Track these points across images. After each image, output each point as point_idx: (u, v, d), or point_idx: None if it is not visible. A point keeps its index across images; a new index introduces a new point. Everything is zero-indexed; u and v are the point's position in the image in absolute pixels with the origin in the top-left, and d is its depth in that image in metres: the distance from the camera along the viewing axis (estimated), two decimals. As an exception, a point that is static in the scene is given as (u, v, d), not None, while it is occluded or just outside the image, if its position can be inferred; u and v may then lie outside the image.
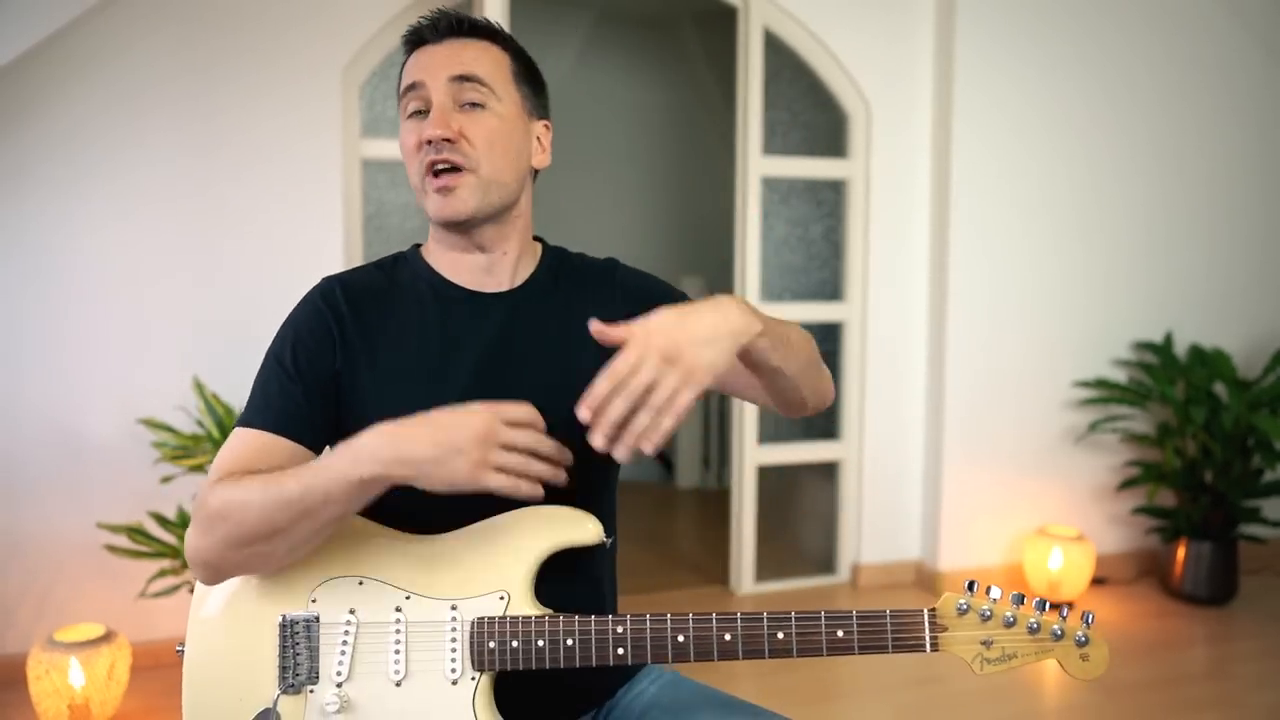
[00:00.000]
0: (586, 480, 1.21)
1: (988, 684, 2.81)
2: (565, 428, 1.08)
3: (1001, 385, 3.55)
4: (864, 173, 3.50)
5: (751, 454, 3.49)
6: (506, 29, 1.24)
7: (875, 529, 3.60)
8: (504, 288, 1.23)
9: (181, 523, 2.53)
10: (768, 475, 3.56)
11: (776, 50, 3.41)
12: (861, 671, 2.94)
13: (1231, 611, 3.39)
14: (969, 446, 3.53)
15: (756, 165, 3.38)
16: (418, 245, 1.28)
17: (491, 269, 1.22)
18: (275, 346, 1.17)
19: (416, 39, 1.20)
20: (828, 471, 3.65)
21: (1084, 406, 3.62)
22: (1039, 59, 3.49)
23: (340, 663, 1.07)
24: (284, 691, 1.07)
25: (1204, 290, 3.76)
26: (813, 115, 3.54)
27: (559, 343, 1.21)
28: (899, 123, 3.51)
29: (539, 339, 1.21)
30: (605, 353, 1.23)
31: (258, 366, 1.18)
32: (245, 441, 1.10)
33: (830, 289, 3.61)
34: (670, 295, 1.29)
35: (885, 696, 2.77)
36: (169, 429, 2.61)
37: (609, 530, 1.14)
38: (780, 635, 1.05)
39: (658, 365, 0.96)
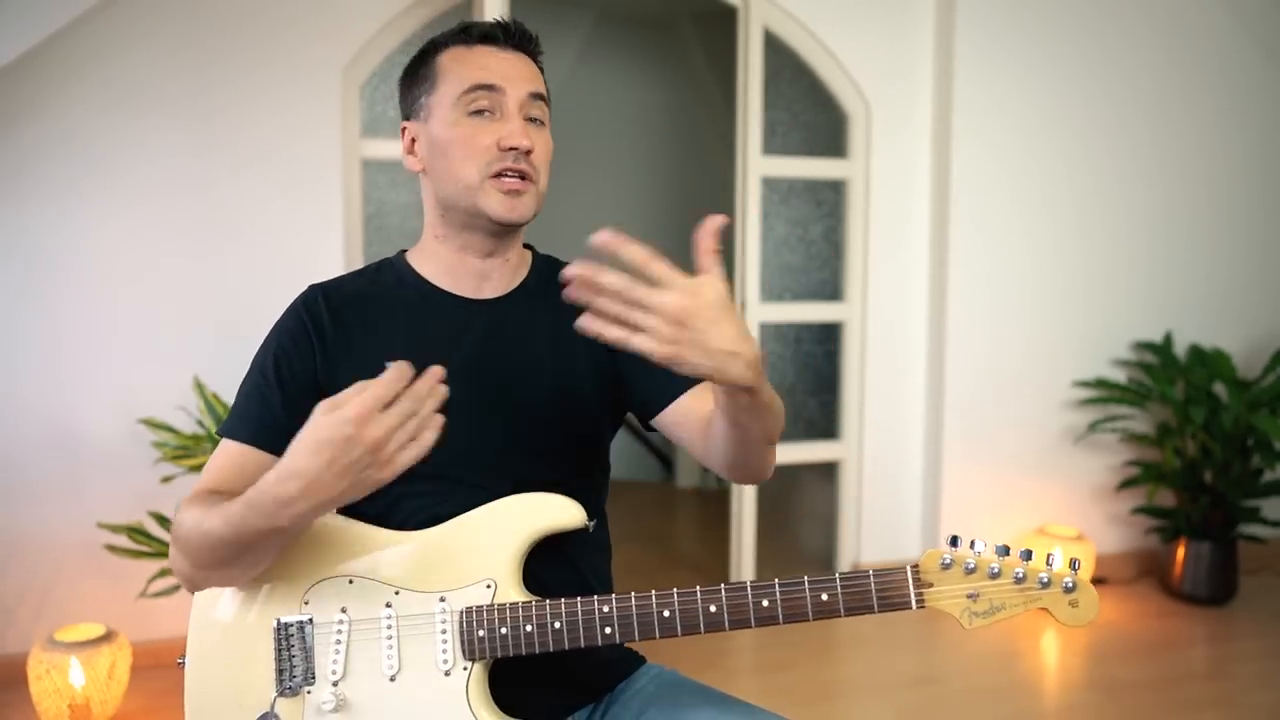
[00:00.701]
0: (571, 465, 1.23)
1: (988, 683, 2.81)
2: (553, 425, 1.08)
3: (1001, 385, 3.55)
4: (864, 173, 3.50)
5: (751, 454, 3.48)
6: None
7: (875, 529, 3.60)
8: (495, 294, 1.24)
9: (181, 522, 2.53)
10: (767, 475, 3.55)
11: (776, 50, 3.41)
12: (861, 671, 2.95)
13: (1231, 611, 3.39)
14: (969, 446, 3.53)
15: (756, 165, 3.38)
16: (403, 250, 1.29)
17: (489, 274, 1.24)
18: (259, 355, 1.20)
19: (486, 35, 1.20)
20: (828, 471, 3.65)
21: (1084, 406, 3.62)
22: (1039, 58, 3.49)
23: (335, 662, 1.08)
24: (281, 694, 1.08)
25: (1204, 290, 3.75)
26: (813, 115, 3.54)
27: (546, 348, 1.23)
28: (899, 122, 3.50)
29: (525, 344, 1.23)
30: (593, 358, 1.24)
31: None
32: (227, 455, 1.14)
33: (830, 289, 3.61)
34: None
35: (885, 696, 2.77)
36: (169, 429, 2.61)
37: (593, 514, 1.16)
38: (765, 603, 1.04)
39: (670, 322, 0.89)
